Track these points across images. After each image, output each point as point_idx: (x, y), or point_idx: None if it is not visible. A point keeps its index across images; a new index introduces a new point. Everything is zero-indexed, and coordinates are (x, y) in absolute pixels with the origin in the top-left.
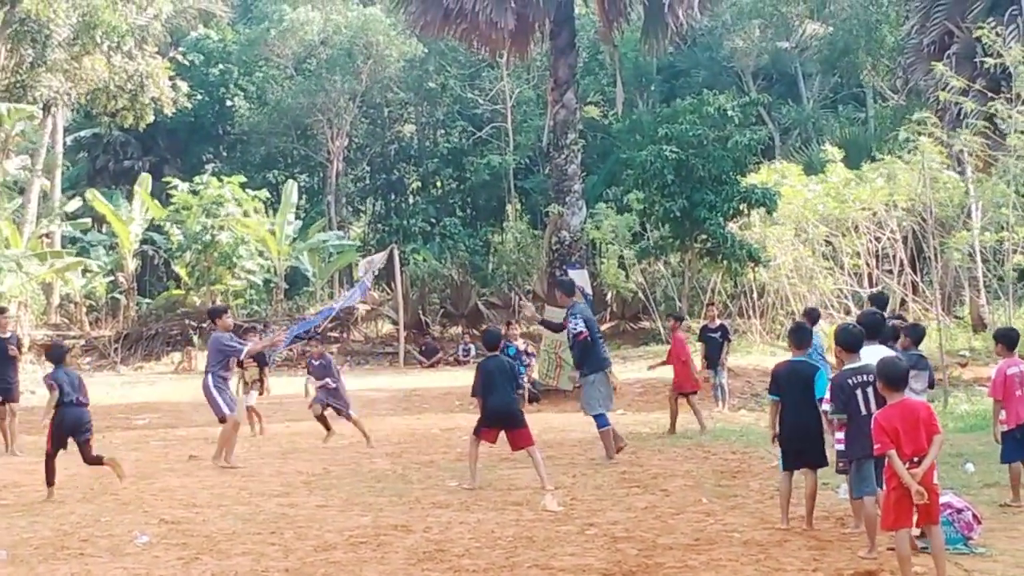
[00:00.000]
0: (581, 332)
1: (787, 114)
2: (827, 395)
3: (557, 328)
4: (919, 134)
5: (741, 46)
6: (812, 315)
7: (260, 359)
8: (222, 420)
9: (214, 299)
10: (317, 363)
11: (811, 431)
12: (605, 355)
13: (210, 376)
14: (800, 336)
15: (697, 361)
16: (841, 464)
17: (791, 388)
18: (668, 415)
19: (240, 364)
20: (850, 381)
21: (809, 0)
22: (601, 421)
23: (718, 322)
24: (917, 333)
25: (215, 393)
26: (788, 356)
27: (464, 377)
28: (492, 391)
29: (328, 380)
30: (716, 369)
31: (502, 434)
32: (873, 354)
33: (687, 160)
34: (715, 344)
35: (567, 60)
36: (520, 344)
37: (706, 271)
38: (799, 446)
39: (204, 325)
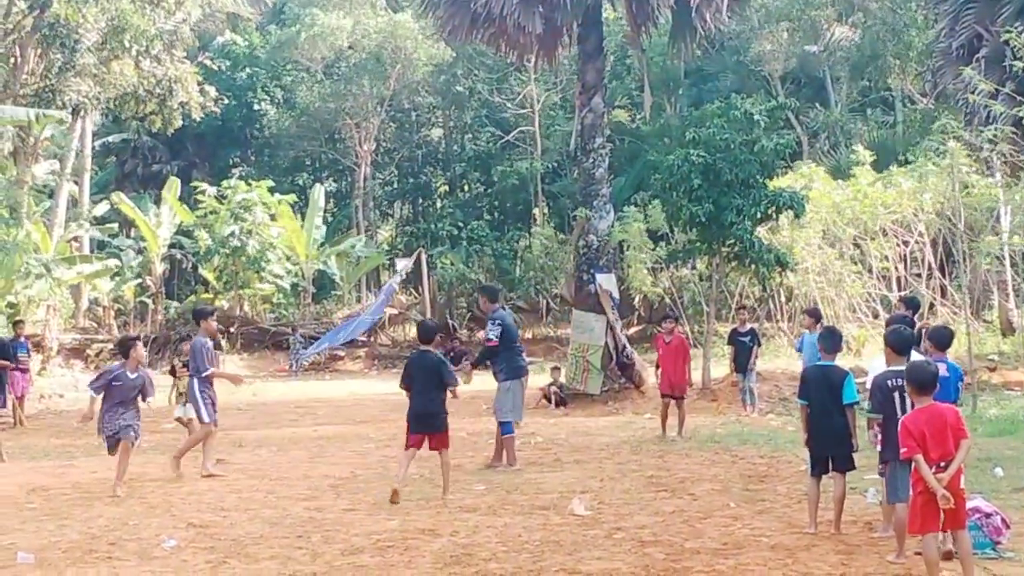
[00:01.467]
0: (491, 340)
1: (815, 118)
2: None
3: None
4: (944, 141)
5: (769, 50)
6: (815, 315)
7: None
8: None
9: (242, 303)
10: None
11: (839, 435)
12: (522, 363)
13: (195, 381)
14: (831, 340)
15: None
16: (881, 468)
17: (820, 392)
18: (693, 419)
19: (174, 373)
20: (889, 383)
21: (837, 4)
22: (506, 429)
23: (748, 326)
24: (939, 337)
25: (200, 398)
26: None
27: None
28: (416, 390)
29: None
30: (745, 373)
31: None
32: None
33: (714, 164)
34: (745, 348)
35: (595, 64)
36: None
37: (733, 275)
38: (827, 451)
39: (231, 329)
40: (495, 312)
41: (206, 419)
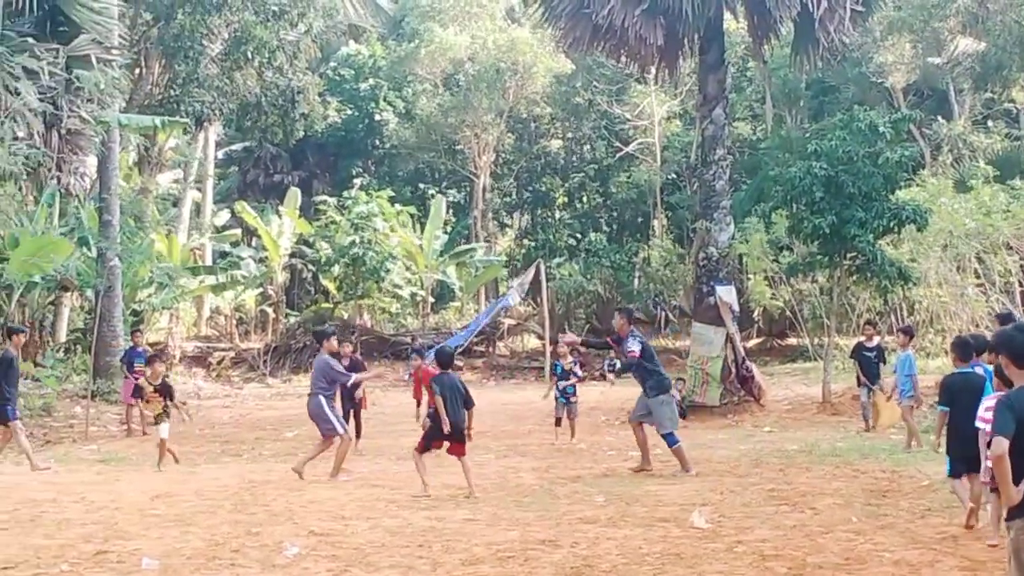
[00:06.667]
0: (633, 351)
1: (938, 131)
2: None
3: (600, 345)
4: None
5: (891, 61)
6: (908, 332)
7: (165, 391)
8: (327, 436)
9: (362, 312)
10: None
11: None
12: (668, 378)
13: (321, 396)
14: (964, 349)
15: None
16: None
17: (964, 398)
18: (813, 433)
19: (141, 396)
20: None
21: (961, 15)
22: (671, 440)
23: (876, 340)
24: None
25: (328, 412)
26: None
27: (611, 392)
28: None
29: None
30: (871, 388)
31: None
32: None
33: (837, 176)
34: (870, 363)
35: (716, 76)
36: (566, 363)
37: (855, 288)
38: (970, 452)
39: (352, 339)
40: (632, 332)
41: (342, 431)
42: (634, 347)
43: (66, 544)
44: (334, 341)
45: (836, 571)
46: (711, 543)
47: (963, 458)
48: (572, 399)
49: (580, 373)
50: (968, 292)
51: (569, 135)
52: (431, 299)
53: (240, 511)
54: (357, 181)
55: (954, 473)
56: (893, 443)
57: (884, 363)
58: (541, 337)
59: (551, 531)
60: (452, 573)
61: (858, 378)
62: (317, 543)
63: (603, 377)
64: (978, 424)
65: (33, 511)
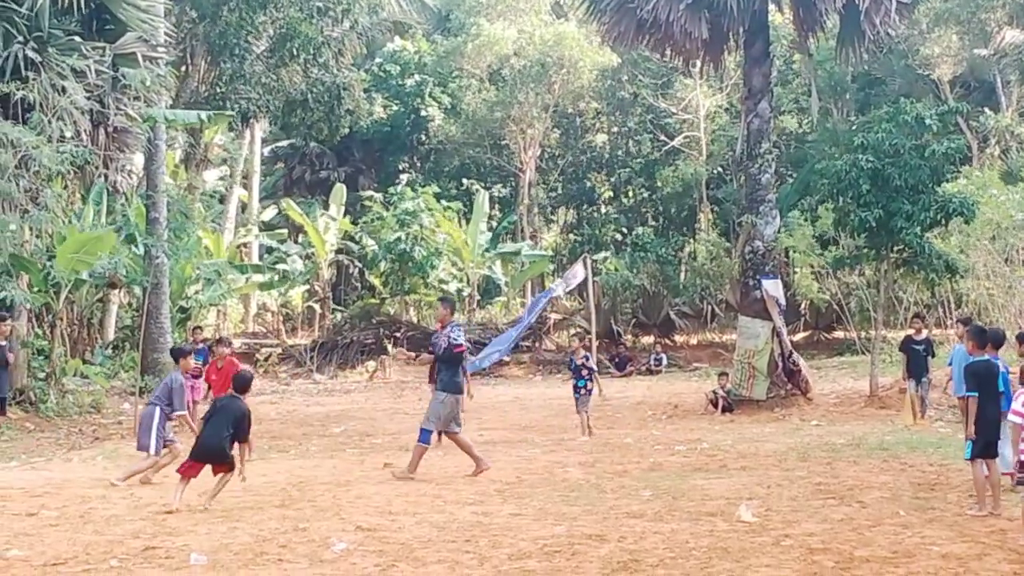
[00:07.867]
0: (460, 345)
1: (985, 122)
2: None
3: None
4: None
5: (937, 53)
6: (966, 323)
7: None
8: (143, 449)
9: (408, 308)
10: None
11: (998, 422)
12: (461, 381)
13: (159, 409)
14: (982, 336)
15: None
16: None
17: (989, 384)
18: (860, 426)
19: None
20: None
21: (1008, 6)
22: (424, 436)
23: (924, 334)
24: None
25: (156, 428)
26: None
27: (657, 387)
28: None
29: None
30: (919, 381)
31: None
32: None
33: (883, 169)
34: (918, 356)
35: (761, 69)
36: (579, 358)
37: (901, 281)
38: (993, 437)
39: (398, 335)
40: (455, 322)
41: (154, 452)
42: (460, 339)
43: (115, 540)
44: (190, 360)
45: (884, 565)
46: (758, 537)
47: (985, 442)
48: (582, 392)
49: (592, 367)
50: (1016, 284)
51: (615, 129)
52: (477, 295)
53: (287, 507)
54: (403, 177)
55: (974, 456)
56: (941, 436)
57: (933, 356)
58: (587, 332)
59: (598, 526)
60: (499, 568)
61: (906, 371)
62: (364, 538)
63: (649, 372)
64: (1012, 419)
65: (82, 507)
